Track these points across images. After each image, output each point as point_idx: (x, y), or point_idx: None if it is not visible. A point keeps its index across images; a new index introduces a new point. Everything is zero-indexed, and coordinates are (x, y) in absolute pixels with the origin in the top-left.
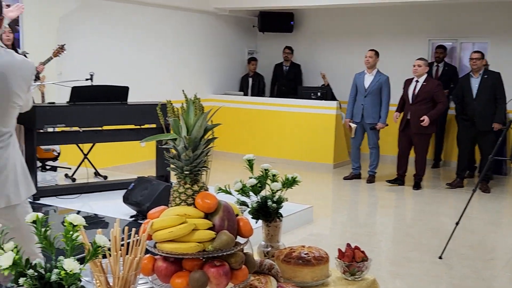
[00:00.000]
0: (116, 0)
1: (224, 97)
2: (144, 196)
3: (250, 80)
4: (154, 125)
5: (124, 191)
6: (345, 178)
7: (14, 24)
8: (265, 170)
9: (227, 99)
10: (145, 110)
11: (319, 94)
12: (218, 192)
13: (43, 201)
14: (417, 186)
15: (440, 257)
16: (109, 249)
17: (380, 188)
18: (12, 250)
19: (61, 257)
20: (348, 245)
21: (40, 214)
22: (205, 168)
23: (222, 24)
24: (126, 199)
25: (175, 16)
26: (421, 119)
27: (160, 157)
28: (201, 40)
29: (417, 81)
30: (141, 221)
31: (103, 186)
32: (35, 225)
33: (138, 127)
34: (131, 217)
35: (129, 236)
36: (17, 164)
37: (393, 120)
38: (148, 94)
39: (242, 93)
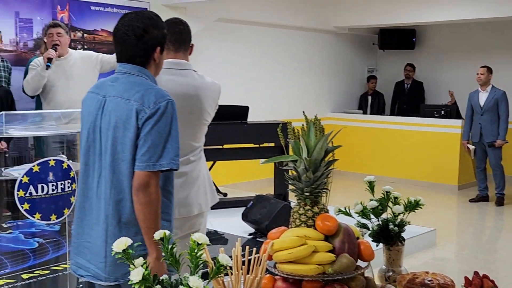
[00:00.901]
0: (238, 22)
1: (343, 116)
2: (262, 215)
3: (370, 98)
4: (272, 144)
5: (243, 208)
6: (471, 200)
7: None
8: (387, 192)
9: (346, 118)
10: (264, 129)
11: (442, 112)
12: (338, 214)
13: None
14: None
15: None
16: (230, 268)
17: (510, 212)
18: (142, 266)
19: (186, 274)
20: (476, 273)
21: (167, 232)
22: (325, 190)
23: (341, 43)
24: (245, 217)
25: (295, 36)
26: None
27: (278, 176)
28: (320, 59)
29: None
30: (259, 239)
31: (223, 203)
32: (162, 242)
33: (258, 145)
34: (250, 234)
35: (249, 253)
36: (205, 175)
37: None
38: (268, 112)
39: (361, 111)
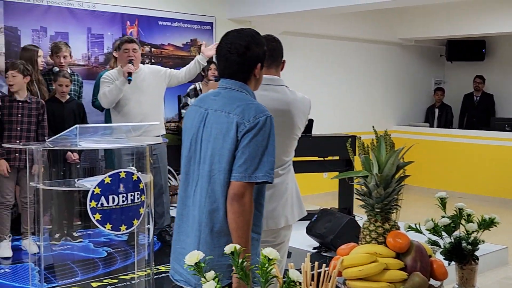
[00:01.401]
0: (303, 35)
1: (409, 129)
2: (327, 229)
3: (437, 111)
4: (337, 157)
5: (307, 222)
6: None
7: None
8: (459, 209)
9: (411, 131)
10: (329, 143)
11: None
12: (408, 230)
13: None
14: None
15: None
16: (300, 283)
17: None
18: (213, 279)
19: None
20: None
21: (238, 246)
22: (396, 207)
23: (407, 54)
24: (309, 231)
25: (360, 48)
26: None
27: (343, 189)
28: (385, 71)
29: None
30: (324, 253)
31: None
32: (232, 256)
33: (322, 159)
34: (314, 248)
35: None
36: (293, 188)
37: None
38: (332, 125)
39: (427, 124)
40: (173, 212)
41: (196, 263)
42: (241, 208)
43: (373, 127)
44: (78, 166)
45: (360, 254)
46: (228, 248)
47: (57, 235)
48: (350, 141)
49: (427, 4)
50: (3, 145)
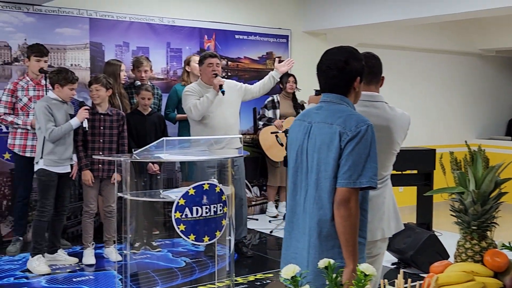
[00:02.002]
0: (379, 47)
1: (489, 142)
2: (407, 244)
3: None
4: (415, 171)
5: None
6: None
7: (287, 76)
8: None
9: (493, 144)
10: (407, 156)
11: None
12: (502, 248)
13: None
14: None
15: None
16: None
17: None
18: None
19: None
20: None
21: (332, 261)
22: (494, 224)
23: (487, 65)
24: (387, 246)
25: (438, 59)
26: None
27: (421, 204)
28: (465, 83)
29: None
30: (403, 269)
31: None
32: (326, 271)
33: (400, 172)
34: (393, 264)
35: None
36: (391, 202)
37: None
38: (410, 138)
39: (509, 138)
40: (250, 224)
41: (292, 277)
42: (348, 212)
43: (465, 142)
44: (159, 177)
45: (456, 273)
46: (322, 263)
47: (137, 244)
48: (427, 153)
49: (508, 14)
50: (94, 156)
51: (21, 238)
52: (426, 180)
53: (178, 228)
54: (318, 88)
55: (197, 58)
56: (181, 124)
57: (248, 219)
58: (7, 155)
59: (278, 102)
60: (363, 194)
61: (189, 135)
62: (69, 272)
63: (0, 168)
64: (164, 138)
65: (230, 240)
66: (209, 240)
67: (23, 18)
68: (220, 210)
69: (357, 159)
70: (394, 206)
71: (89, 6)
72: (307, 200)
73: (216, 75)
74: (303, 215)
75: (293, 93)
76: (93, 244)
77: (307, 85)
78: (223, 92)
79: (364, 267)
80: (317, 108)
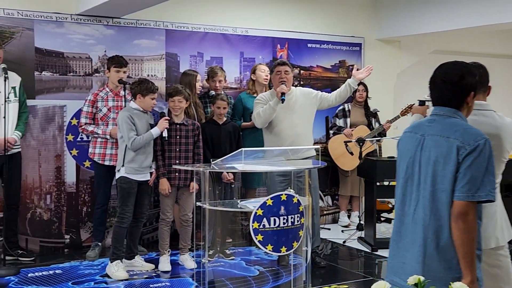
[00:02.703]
0: (455, 53)
1: None
2: None
3: None
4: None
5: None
6: None
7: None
8: None
9: None
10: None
11: None
12: None
13: (380, 252)
14: None
15: None
16: None
17: None
18: None
19: None
20: None
21: (422, 278)
22: None
23: None
24: None
25: None
26: None
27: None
28: None
29: None
30: None
31: None
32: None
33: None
34: None
35: None
36: (502, 210)
37: None
38: None
39: None
40: (322, 234)
41: (415, 284)
42: (466, 225)
43: None
44: (233, 186)
45: None
46: (412, 280)
47: (211, 252)
48: None
49: None
50: (173, 166)
51: (99, 243)
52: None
53: (256, 238)
54: (422, 99)
55: (262, 66)
56: (245, 132)
57: (320, 229)
58: (87, 163)
59: (349, 110)
60: (479, 207)
61: (252, 143)
62: (146, 278)
63: (81, 176)
64: (242, 149)
65: (306, 250)
66: (286, 250)
67: (103, 31)
68: (298, 221)
69: (475, 173)
70: (504, 214)
71: (166, 18)
72: (417, 211)
73: (284, 82)
74: (412, 226)
75: (365, 101)
76: (168, 251)
77: (380, 93)
78: (282, 100)
79: (458, 285)
80: (429, 121)
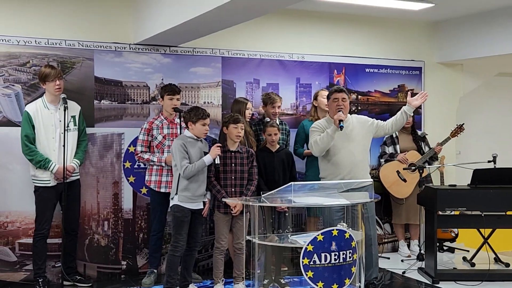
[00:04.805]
0: None
1: None
2: None
3: None
4: None
5: None
6: None
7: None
8: None
9: None
10: None
11: None
12: None
13: (441, 285)
14: None
15: None
16: None
17: None
18: None
19: None
20: None
21: None
22: None
23: None
24: None
25: None
26: None
27: None
28: None
29: None
30: None
31: (506, 275)
32: None
33: None
34: None
35: None
36: None
37: None
38: None
39: None
40: (381, 263)
41: None
42: None
43: None
44: (287, 214)
45: None
46: None
47: (265, 281)
48: None
49: None
50: (224, 200)
51: (155, 270)
52: None
53: (306, 274)
54: None
55: (324, 93)
56: (308, 159)
57: (379, 257)
58: (144, 190)
59: (397, 137)
60: None
61: (315, 170)
62: None
63: (138, 203)
64: (293, 183)
65: (360, 286)
66: (338, 287)
67: (160, 59)
68: (350, 257)
69: None
70: None
71: (222, 45)
72: None
73: (340, 110)
74: None
75: (412, 126)
76: (222, 280)
77: (442, 118)
78: (341, 128)
79: None
80: None
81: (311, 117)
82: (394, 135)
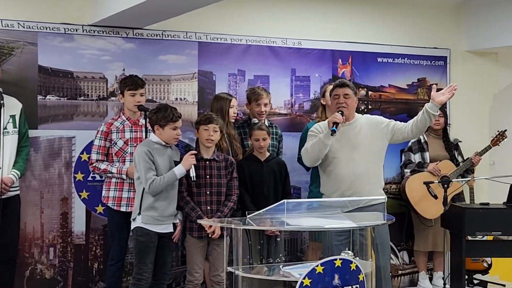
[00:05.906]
0: None
1: None
2: None
3: None
4: None
5: None
6: None
7: (442, 107)
8: None
9: None
10: None
11: None
12: None
13: None
14: None
15: None
16: None
17: None
18: None
19: None
20: None
21: None
22: None
23: None
24: None
25: None
26: None
27: None
28: None
29: None
30: None
31: None
32: None
33: None
34: None
35: None
36: None
37: None
38: None
39: None
40: None
41: None
42: None
43: None
44: (278, 239)
45: None
46: None
47: None
48: None
49: None
50: (199, 221)
51: None
52: None
53: None
54: None
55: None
56: (314, 170)
57: None
58: (100, 209)
59: (425, 142)
60: None
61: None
62: None
63: (92, 224)
64: (285, 201)
65: None
66: None
67: (121, 45)
68: None
69: None
70: None
71: (199, 28)
72: None
73: (341, 110)
74: None
75: (444, 129)
76: None
77: (471, 119)
78: (332, 132)
79: None
80: None
81: (318, 119)
82: (422, 140)
